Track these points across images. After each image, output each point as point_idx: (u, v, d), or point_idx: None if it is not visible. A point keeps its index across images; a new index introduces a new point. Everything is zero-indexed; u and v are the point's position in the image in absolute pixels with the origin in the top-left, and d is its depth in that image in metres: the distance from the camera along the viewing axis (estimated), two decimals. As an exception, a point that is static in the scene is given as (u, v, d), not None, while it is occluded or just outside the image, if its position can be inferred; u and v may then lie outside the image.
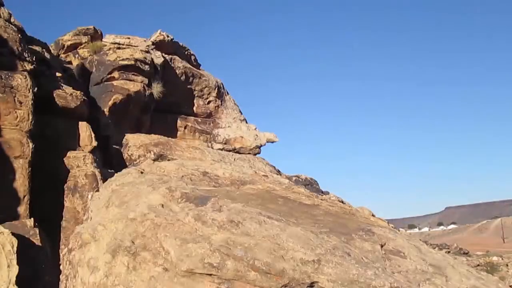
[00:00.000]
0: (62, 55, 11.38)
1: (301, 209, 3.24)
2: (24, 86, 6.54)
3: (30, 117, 6.45)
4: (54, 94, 7.43)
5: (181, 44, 12.35)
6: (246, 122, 13.04)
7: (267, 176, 4.55)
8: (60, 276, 3.16)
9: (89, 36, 11.67)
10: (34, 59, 7.29)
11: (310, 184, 12.49)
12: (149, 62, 11.10)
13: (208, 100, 12.19)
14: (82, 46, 11.50)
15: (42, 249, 5.52)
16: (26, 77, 6.65)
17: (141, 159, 8.06)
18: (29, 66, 7.04)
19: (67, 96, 7.61)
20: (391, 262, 2.50)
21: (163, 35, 12.28)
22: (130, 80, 10.69)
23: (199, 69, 12.62)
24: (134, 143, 8.96)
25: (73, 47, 11.51)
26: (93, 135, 7.74)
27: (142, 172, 3.95)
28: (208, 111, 12.11)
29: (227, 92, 13.15)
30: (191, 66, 12.14)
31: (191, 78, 11.85)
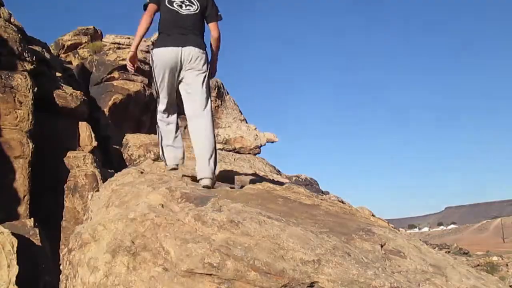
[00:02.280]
0: (62, 55, 11.40)
1: (301, 209, 3.23)
2: (24, 86, 6.55)
3: (30, 117, 6.46)
4: (54, 94, 7.44)
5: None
6: (246, 122, 13.04)
7: (267, 176, 4.55)
8: (60, 276, 3.15)
9: (89, 36, 11.69)
10: (34, 59, 7.30)
11: (310, 184, 12.50)
12: (149, 62, 11.11)
13: (208, 100, 12.20)
14: (82, 46, 11.52)
15: (42, 249, 5.53)
16: (26, 77, 6.66)
17: (141, 159, 8.07)
18: (29, 66, 7.04)
19: (67, 96, 7.61)
20: (391, 262, 2.49)
21: (163, 35, 12.27)
22: (130, 80, 10.71)
23: (199, 69, 12.64)
24: (134, 143, 8.96)
25: (73, 47, 11.53)
26: (93, 135, 7.75)
27: (142, 172, 3.95)
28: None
29: (227, 92, 13.16)
30: (191, 66, 12.16)
31: (191, 78, 11.88)
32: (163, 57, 3.46)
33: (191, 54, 3.42)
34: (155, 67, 3.55)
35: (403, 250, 2.64)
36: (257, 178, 4.40)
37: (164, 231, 2.62)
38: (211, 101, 3.59)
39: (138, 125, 10.97)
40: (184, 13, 3.49)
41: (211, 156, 3.45)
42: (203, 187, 3.38)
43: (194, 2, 3.55)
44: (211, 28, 3.62)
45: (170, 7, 3.51)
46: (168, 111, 3.69)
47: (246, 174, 4.51)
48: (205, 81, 3.51)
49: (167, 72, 3.48)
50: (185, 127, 10.29)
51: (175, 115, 3.75)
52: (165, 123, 3.71)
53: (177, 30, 3.46)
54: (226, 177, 4.22)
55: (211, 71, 3.66)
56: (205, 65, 3.51)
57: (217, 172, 3.68)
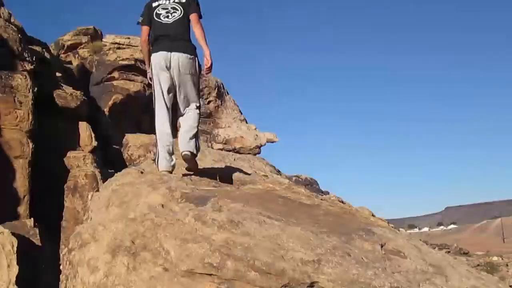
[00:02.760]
0: (62, 55, 11.39)
1: (301, 209, 3.23)
2: (24, 86, 6.55)
3: (30, 117, 6.46)
4: (54, 94, 7.44)
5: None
6: (246, 122, 13.04)
7: (267, 176, 4.55)
8: (60, 276, 3.15)
9: (89, 36, 11.68)
10: (34, 59, 7.30)
11: (310, 184, 12.48)
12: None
13: (208, 100, 12.19)
14: (82, 46, 11.51)
15: (42, 249, 5.53)
16: (26, 77, 6.66)
17: (141, 159, 8.06)
18: (29, 66, 7.04)
19: (67, 96, 7.61)
20: (391, 262, 2.49)
21: (163, 35, 12.28)
22: (130, 80, 10.71)
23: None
24: (134, 143, 8.95)
25: (73, 47, 11.51)
26: (93, 135, 7.74)
27: (142, 172, 3.95)
28: (208, 111, 12.11)
29: (227, 92, 13.16)
30: (191, 66, 12.17)
31: (191, 78, 11.88)
32: (155, 60, 3.84)
33: (179, 59, 3.77)
34: (152, 71, 3.91)
35: (403, 250, 2.64)
36: (257, 178, 4.39)
37: (164, 231, 2.62)
38: (199, 98, 4.05)
39: (138, 125, 10.96)
40: (171, 21, 3.85)
41: (193, 137, 3.86)
42: (183, 156, 3.83)
43: (178, 8, 3.89)
44: (191, 18, 3.88)
45: (158, 20, 3.89)
46: (164, 121, 3.92)
47: (246, 174, 4.51)
48: (194, 83, 3.91)
49: (160, 74, 3.83)
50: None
51: (170, 127, 3.95)
52: (162, 132, 3.91)
53: (166, 38, 3.83)
54: (226, 177, 4.22)
55: (207, 67, 3.87)
56: (193, 68, 3.85)
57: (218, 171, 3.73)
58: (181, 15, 3.86)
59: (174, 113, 4.01)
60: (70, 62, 11.06)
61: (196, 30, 3.86)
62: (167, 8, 3.88)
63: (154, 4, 3.94)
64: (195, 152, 3.86)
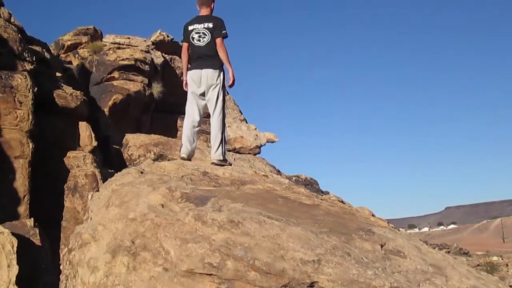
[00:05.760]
0: (62, 55, 11.38)
1: (301, 209, 3.23)
2: (24, 86, 6.55)
3: (30, 117, 6.46)
4: (54, 94, 7.44)
5: (181, 43, 12.38)
6: (246, 122, 13.05)
7: (267, 176, 4.55)
8: (60, 276, 3.15)
9: (89, 36, 11.67)
10: (34, 59, 7.30)
11: (310, 184, 12.50)
12: (149, 62, 11.10)
13: (208, 100, 12.18)
14: (82, 46, 11.50)
15: (42, 249, 5.53)
16: (26, 77, 6.66)
17: (141, 159, 8.07)
18: (29, 66, 7.04)
19: (67, 96, 7.61)
20: (391, 262, 2.49)
21: (163, 35, 12.29)
22: (130, 80, 10.70)
23: (199, 69, 12.65)
24: (134, 143, 8.96)
25: (73, 47, 11.50)
26: (93, 135, 7.74)
27: (142, 172, 3.95)
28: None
29: (227, 92, 13.15)
30: (191, 66, 12.16)
31: (191, 78, 11.86)
32: (191, 76, 4.89)
33: (207, 74, 4.78)
34: (188, 80, 4.94)
35: (403, 250, 2.64)
36: (257, 178, 4.39)
37: (164, 231, 2.62)
38: (223, 104, 4.87)
39: (138, 125, 10.97)
40: (202, 45, 4.83)
41: (219, 146, 4.71)
42: (211, 164, 4.64)
43: (207, 33, 4.85)
44: (216, 42, 4.81)
45: (193, 42, 4.90)
46: (191, 117, 4.89)
47: (246, 174, 4.51)
48: (219, 92, 4.82)
49: (192, 85, 4.87)
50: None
51: (194, 121, 4.90)
52: (187, 123, 4.87)
53: (198, 57, 4.87)
54: (226, 177, 4.23)
55: (230, 83, 4.87)
56: (218, 78, 4.80)
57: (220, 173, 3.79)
58: (210, 39, 4.79)
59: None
60: (70, 62, 11.04)
61: (220, 53, 4.77)
62: (199, 33, 4.84)
63: (190, 28, 4.89)
64: (221, 158, 4.69)
